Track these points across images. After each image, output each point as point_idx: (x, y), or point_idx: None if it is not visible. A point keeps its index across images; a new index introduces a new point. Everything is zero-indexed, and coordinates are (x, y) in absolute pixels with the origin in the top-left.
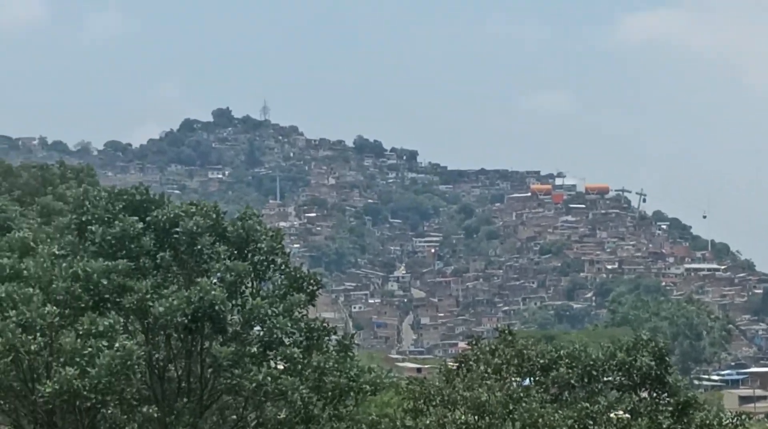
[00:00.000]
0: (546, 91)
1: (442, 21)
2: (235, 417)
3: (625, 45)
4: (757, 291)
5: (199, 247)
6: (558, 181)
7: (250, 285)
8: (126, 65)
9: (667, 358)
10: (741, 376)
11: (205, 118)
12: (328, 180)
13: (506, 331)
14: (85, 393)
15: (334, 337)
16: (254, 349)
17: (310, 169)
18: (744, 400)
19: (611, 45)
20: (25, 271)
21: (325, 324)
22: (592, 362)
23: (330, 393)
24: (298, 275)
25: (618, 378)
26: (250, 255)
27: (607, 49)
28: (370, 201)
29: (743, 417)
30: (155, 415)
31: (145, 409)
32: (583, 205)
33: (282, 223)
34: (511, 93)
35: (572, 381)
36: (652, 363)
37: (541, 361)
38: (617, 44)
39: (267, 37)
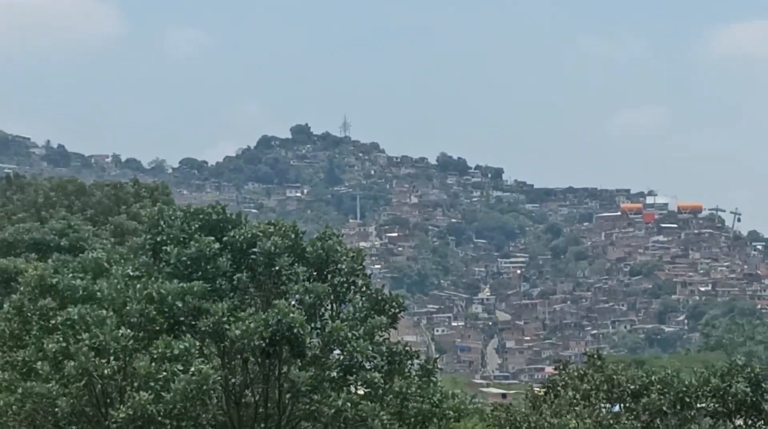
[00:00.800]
0: (637, 108)
1: (530, 37)
2: None
3: (718, 59)
4: None
5: (277, 268)
6: (649, 200)
7: (329, 307)
8: (203, 82)
9: (763, 384)
10: None
11: (284, 134)
12: (410, 198)
13: (595, 356)
14: (159, 418)
15: (416, 361)
16: (334, 374)
17: (392, 188)
18: None
19: (704, 59)
20: (98, 293)
21: (407, 348)
22: (684, 388)
23: (412, 419)
24: (379, 297)
25: (712, 405)
26: (329, 276)
27: (700, 63)
28: (453, 220)
29: None
30: None
31: None
32: (675, 225)
33: (362, 243)
34: (601, 110)
35: (664, 408)
36: (748, 389)
37: (632, 387)
38: (710, 58)
39: (347, 53)
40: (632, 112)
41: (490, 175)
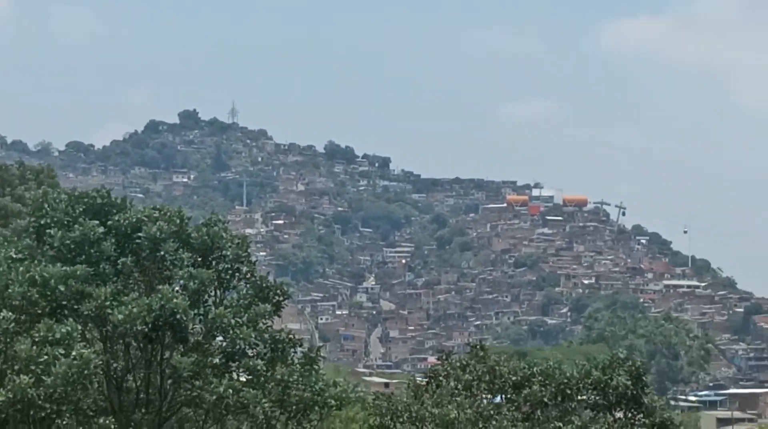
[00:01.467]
0: (527, 100)
1: (422, 28)
2: None
3: (605, 54)
4: (737, 309)
5: (161, 253)
6: (535, 192)
7: (213, 294)
8: (91, 65)
9: (644, 378)
10: (719, 398)
11: (172, 119)
12: (296, 186)
13: (478, 347)
14: (39, 402)
15: (299, 349)
16: (216, 360)
17: (279, 175)
18: (722, 422)
19: (592, 54)
20: None
21: (290, 335)
22: (566, 380)
23: (294, 407)
24: (263, 284)
25: (593, 397)
26: (214, 262)
27: (589, 58)
28: (340, 209)
29: None
30: (112, 426)
31: (101, 421)
32: (561, 218)
33: (248, 230)
34: (489, 102)
35: (545, 399)
36: (628, 382)
37: (513, 378)
38: (599, 54)
39: (237, 39)
40: (521, 104)
41: (377, 165)
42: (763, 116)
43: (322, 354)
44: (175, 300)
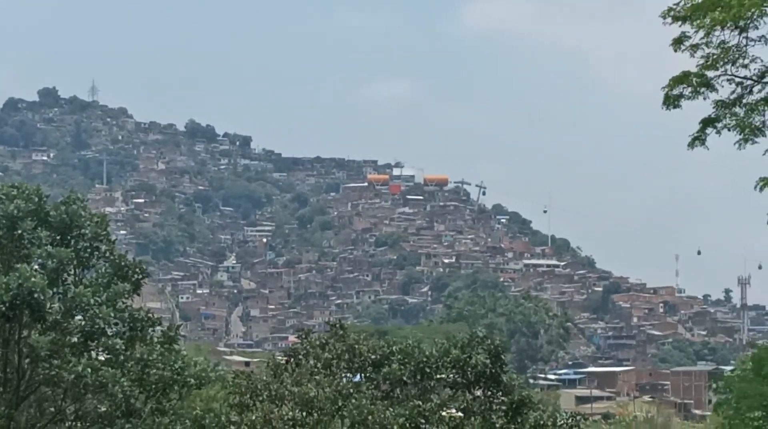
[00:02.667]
0: (388, 80)
1: (283, 8)
2: (53, 409)
3: (467, 35)
4: (596, 289)
5: (19, 231)
6: (396, 172)
7: (72, 272)
8: None
9: (503, 356)
10: (578, 376)
11: (31, 97)
12: (157, 165)
13: (337, 325)
14: None
15: (158, 328)
16: (75, 339)
17: (139, 154)
18: (580, 400)
19: (454, 35)
20: None
21: (149, 314)
22: (425, 359)
23: (153, 386)
24: (122, 263)
25: (452, 375)
26: (73, 241)
27: (450, 39)
28: (200, 188)
29: (579, 418)
30: None
31: None
32: (421, 197)
33: (108, 209)
34: (352, 82)
35: (404, 378)
36: (487, 361)
37: (373, 357)
38: (460, 34)
39: (97, 16)
40: (383, 84)
41: (238, 143)
42: (622, 98)
43: (182, 333)
44: (33, 279)
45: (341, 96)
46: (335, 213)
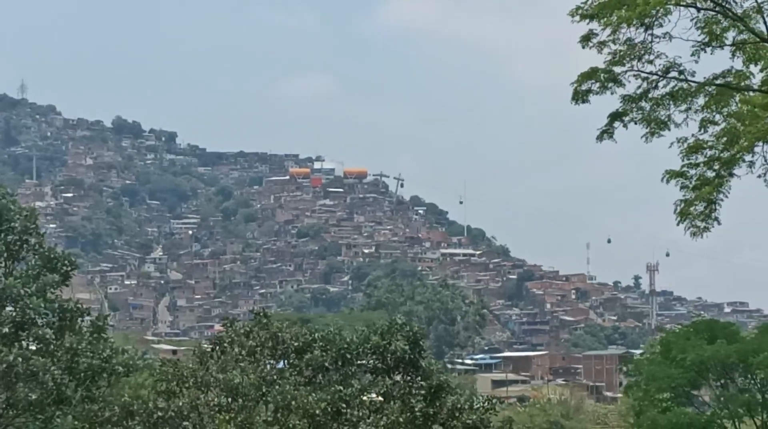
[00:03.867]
0: (308, 76)
1: (206, 4)
2: None
3: (383, 32)
4: (511, 276)
5: None
6: (317, 165)
7: (2, 265)
8: None
9: (421, 342)
10: (494, 361)
11: None
12: (85, 160)
13: (261, 314)
14: None
15: (87, 318)
16: (5, 330)
17: (68, 149)
18: (496, 384)
19: (369, 32)
20: None
21: (78, 305)
22: (346, 346)
23: (82, 374)
24: (52, 255)
25: (372, 361)
26: (2, 234)
27: (366, 36)
28: (128, 182)
29: (494, 401)
30: None
31: None
32: (341, 190)
33: (38, 203)
34: (273, 78)
35: (326, 364)
36: (406, 347)
37: (296, 344)
38: (376, 31)
39: (26, 14)
40: (303, 80)
41: (164, 139)
42: (534, 92)
43: (110, 322)
44: None
45: (262, 92)
46: (258, 205)
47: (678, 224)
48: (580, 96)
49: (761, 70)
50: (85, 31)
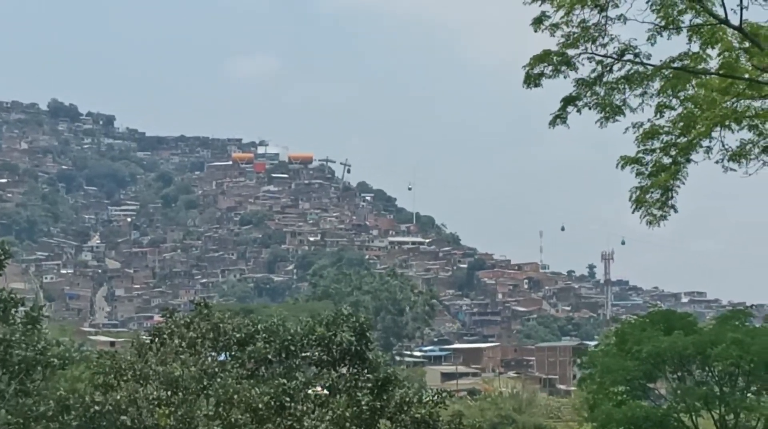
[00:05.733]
0: (254, 57)
1: None
2: None
3: (331, 10)
4: (461, 265)
5: None
6: (260, 150)
7: None
8: None
9: (368, 334)
10: (444, 353)
11: None
12: (20, 144)
13: (202, 304)
14: None
15: (21, 308)
16: None
17: (1, 133)
18: (446, 376)
19: (317, 10)
20: None
21: (12, 295)
22: (290, 337)
23: (16, 367)
24: None
25: (317, 353)
26: None
27: (314, 14)
28: (64, 167)
29: (444, 394)
30: None
31: None
32: (286, 175)
33: None
34: (217, 59)
35: (270, 356)
36: (353, 338)
37: (238, 336)
38: (324, 9)
39: None
40: (246, 62)
41: (101, 122)
42: (488, 73)
43: (45, 313)
44: None
45: (205, 74)
46: (200, 192)
47: (633, 212)
48: (532, 80)
49: (718, 54)
50: (19, 11)
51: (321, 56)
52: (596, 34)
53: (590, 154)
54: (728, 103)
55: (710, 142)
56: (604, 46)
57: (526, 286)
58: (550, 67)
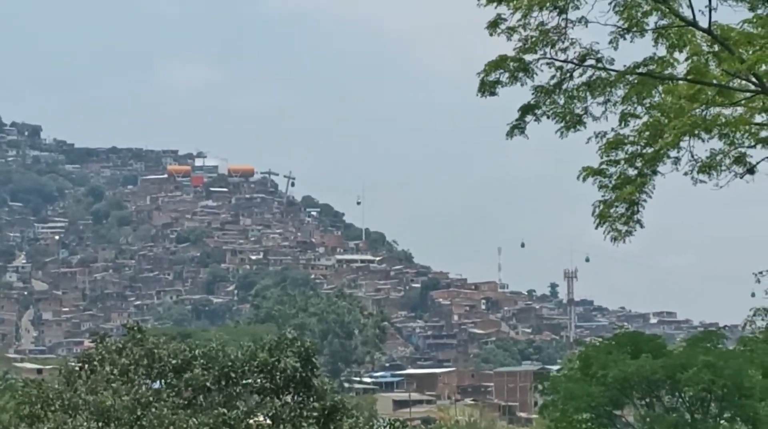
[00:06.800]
0: (189, 64)
1: None
2: None
3: (271, 16)
4: (414, 285)
5: None
6: (198, 163)
7: None
8: None
9: (315, 359)
10: (396, 378)
11: None
12: None
13: (135, 328)
14: None
15: None
16: None
17: None
18: (399, 404)
19: (255, 16)
20: None
21: None
22: (230, 363)
23: None
24: None
25: (259, 381)
26: None
27: (251, 20)
28: None
29: (397, 424)
30: None
31: None
32: (226, 189)
33: None
34: (147, 66)
35: (208, 384)
36: (297, 364)
37: (174, 362)
38: (267, 14)
39: None
40: (179, 68)
41: (27, 133)
42: (440, 81)
43: None
44: None
45: (135, 81)
46: (133, 207)
47: (597, 227)
48: (487, 87)
49: (686, 58)
50: None
51: (260, 62)
52: (555, 38)
53: (550, 166)
54: (697, 110)
55: (678, 152)
56: (564, 50)
57: (483, 307)
58: (507, 74)
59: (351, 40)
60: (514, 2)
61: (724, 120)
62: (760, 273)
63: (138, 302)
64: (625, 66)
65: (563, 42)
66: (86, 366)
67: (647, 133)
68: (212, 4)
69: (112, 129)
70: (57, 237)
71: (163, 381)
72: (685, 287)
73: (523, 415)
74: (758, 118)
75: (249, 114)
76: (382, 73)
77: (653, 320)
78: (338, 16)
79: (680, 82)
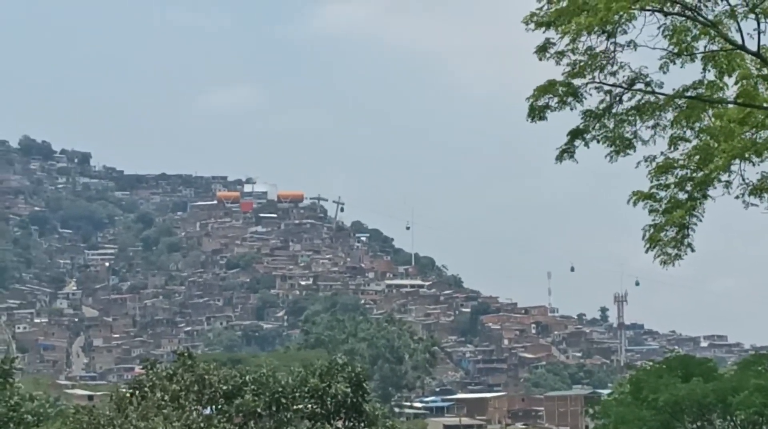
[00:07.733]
0: (232, 88)
1: (117, 13)
2: None
3: (317, 38)
4: (464, 309)
5: None
6: (247, 188)
7: None
8: None
9: (365, 384)
10: (446, 403)
11: None
12: None
13: (186, 354)
14: None
15: None
16: None
17: None
18: None
19: (298, 38)
20: None
21: None
22: (281, 389)
23: None
24: None
25: (310, 406)
26: None
27: (298, 42)
28: (37, 208)
29: None
30: None
31: None
32: (275, 215)
33: None
34: (193, 91)
35: (259, 410)
36: (348, 389)
37: (225, 388)
38: (309, 37)
39: None
40: (227, 92)
41: (76, 160)
42: (483, 102)
43: (18, 366)
44: None
45: (180, 107)
46: (183, 233)
47: (647, 251)
48: (536, 112)
49: (736, 82)
50: None
51: (304, 86)
52: (604, 62)
53: (596, 187)
54: (747, 134)
55: (729, 176)
56: (612, 74)
57: (533, 331)
58: (556, 99)
59: (393, 62)
60: (563, 27)
61: None
62: None
63: (188, 328)
64: (674, 90)
65: (612, 66)
66: (137, 392)
67: (697, 156)
68: (251, 25)
69: (161, 155)
70: (107, 264)
71: (213, 407)
72: (735, 310)
73: None
74: None
75: (292, 137)
76: (423, 96)
77: (704, 344)
78: (378, 38)
79: (730, 105)
